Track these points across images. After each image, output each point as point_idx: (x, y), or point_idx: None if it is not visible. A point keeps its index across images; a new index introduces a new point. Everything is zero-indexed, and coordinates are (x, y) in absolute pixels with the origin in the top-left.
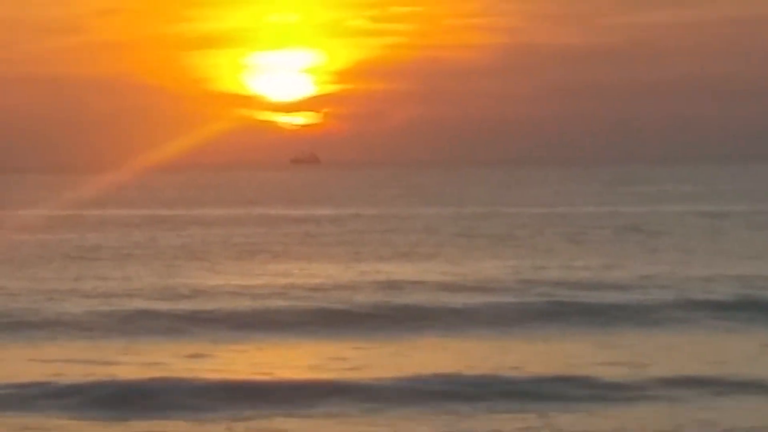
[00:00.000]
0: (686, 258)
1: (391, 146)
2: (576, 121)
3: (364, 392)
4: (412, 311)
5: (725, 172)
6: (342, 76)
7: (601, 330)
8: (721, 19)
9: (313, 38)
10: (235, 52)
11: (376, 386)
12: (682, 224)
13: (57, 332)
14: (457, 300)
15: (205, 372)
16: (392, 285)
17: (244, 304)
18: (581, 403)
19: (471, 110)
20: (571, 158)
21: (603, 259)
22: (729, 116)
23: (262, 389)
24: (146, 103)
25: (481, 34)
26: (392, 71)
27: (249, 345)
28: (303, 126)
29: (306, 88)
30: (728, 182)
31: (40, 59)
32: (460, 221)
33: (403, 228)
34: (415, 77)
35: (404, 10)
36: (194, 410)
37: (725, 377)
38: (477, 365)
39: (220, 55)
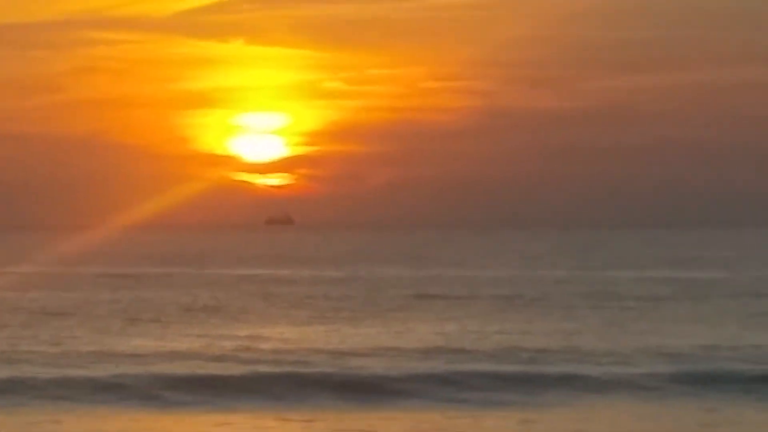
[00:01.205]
0: (637, 327)
1: (367, 208)
2: (551, 183)
3: None
4: (354, 380)
5: (700, 237)
6: (318, 137)
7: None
8: (696, 84)
9: (288, 100)
10: (213, 113)
11: None
12: (646, 290)
13: None
14: (400, 367)
15: None
16: (343, 352)
17: (186, 369)
18: None
19: (447, 172)
20: (546, 220)
21: (565, 325)
22: (705, 180)
23: None
24: (123, 162)
25: (457, 97)
26: (368, 133)
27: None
28: (278, 187)
29: (281, 149)
30: (704, 248)
31: (19, 118)
32: (421, 283)
33: (364, 290)
34: (391, 139)
35: (381, 73)
36: None
37: None
38: None
39: (198, 116)
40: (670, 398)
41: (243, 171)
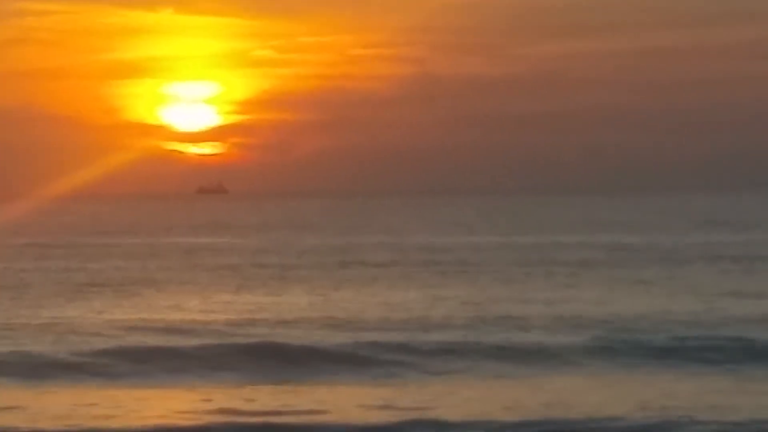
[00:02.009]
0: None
1: (299, 176)
2: (482, 150)
3: None
4: (269, 348)
5: (630, 203)
6: (249, 106)
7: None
8: (625, 50)
9: (219, 68)
10: (144, 83)
11: None
12: (571, 255)
13: None
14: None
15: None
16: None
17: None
18: None
19: (378, 140)
20: (478, 187)
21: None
22: (634, 146)
23: None
24: (54, 133)
25: (388, 65)
26: (299, 101)
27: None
28: (210, 156)
29: (213, 118)
30: (634, 213)
31: None
32: (345, 251)
33: (289, 258)
34: (322, 107)
35: (311, 41)
36: None
37: None
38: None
39: (129, 86)
40: (589, 369)
41: (175, 140)
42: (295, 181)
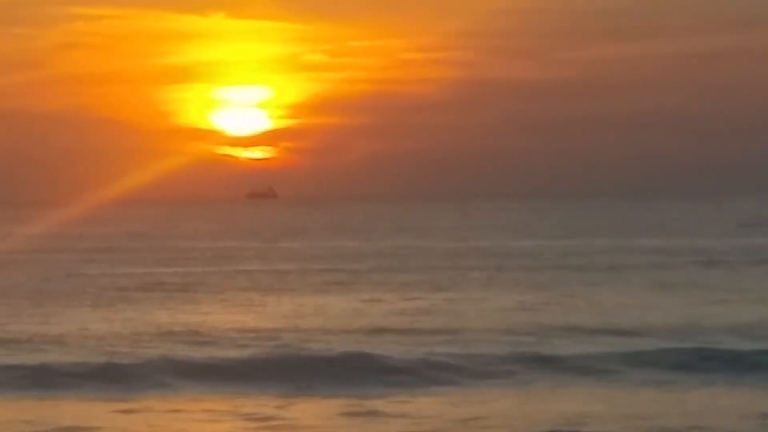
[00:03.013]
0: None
1: (349, 180)
2: (531, 154)
3: None
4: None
5: (679, 206)
6: (300, 110)
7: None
8: (673, 53)
9: (271, 72)
10: (195, 87)
11: None
12: (615, 260)
13: None
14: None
15: None
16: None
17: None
18: None
19: (428, 144)
20: (527, 191)
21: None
22: (682, 149)
23: None
24: (105, 138)
25: (437, 69)
26: (350, 105)
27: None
28: (261, 160)
29: (264, 122)
30: (682, 216)
31: (1, 94)
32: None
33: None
34: (372, 111)
35: (362, 45)
36: None
37: None
38: None
39: (180, 90)
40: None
41: (226, 145)
42: (345, 185)
